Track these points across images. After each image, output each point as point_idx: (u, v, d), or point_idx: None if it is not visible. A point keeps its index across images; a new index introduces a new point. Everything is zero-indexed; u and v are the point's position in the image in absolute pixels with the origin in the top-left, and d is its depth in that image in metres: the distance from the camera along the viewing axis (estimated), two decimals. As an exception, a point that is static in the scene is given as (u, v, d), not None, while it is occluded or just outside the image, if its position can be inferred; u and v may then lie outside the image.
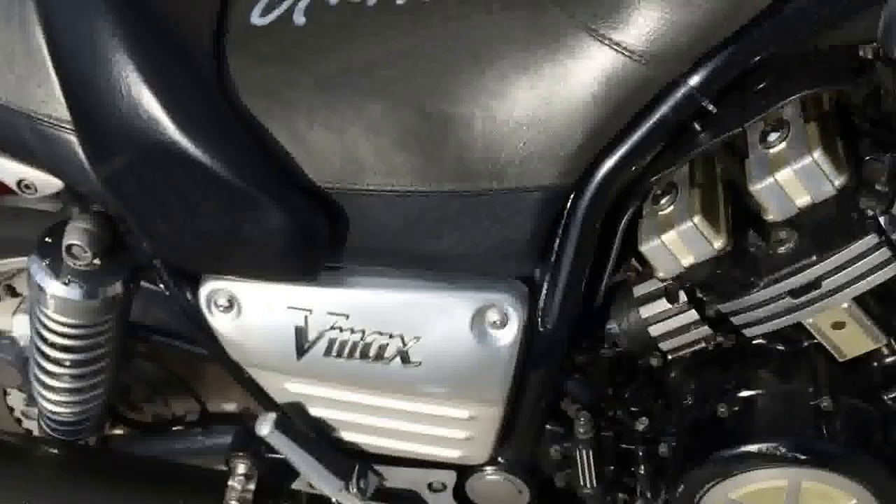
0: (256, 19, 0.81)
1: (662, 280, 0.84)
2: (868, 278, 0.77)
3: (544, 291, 0.84)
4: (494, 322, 0.84)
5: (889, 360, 0.86)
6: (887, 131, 0.70)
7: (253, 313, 0.88)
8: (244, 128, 0.78)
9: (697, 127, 0.77)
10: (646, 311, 0.87)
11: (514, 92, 0.75)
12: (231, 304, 0.88)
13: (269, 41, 0.80)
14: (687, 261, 0.80)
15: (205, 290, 0.88)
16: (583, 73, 0.73)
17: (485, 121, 0.76)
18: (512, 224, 0.79)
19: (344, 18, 0.80)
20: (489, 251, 0.81)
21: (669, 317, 0.87)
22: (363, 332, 0.86)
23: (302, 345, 0.88)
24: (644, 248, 0.80)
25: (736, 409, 0.86)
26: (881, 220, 0.75)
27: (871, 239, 0.75)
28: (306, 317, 0.87)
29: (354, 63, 0.78)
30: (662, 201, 0.80)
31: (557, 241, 0.81)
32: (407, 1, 0.78)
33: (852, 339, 0.82)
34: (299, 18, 0.80)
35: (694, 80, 0.73)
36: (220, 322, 0.90)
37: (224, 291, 0.88)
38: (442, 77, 0.77)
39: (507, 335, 0.85)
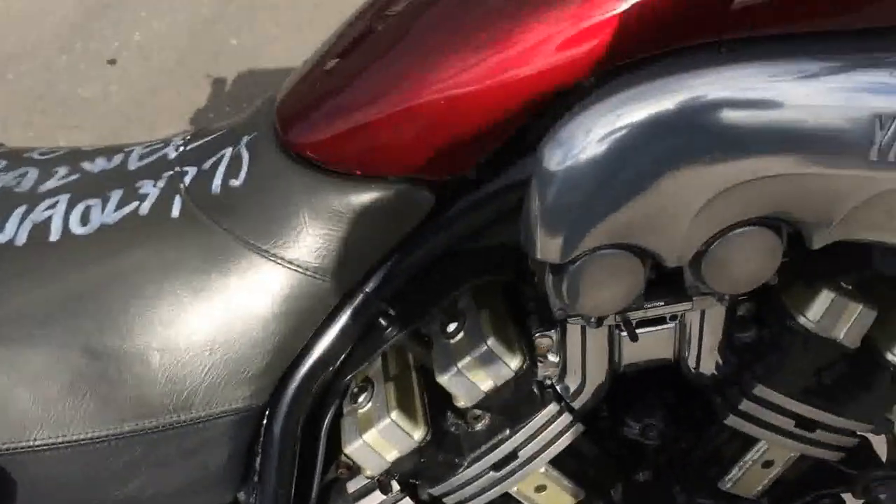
0: None
1: (371, 476, 0.83)
2: (557, 442, 0.82)
3: (252, 513, 0.80)
4: (200, 558, 0.78)
5: (591, 509, 0.92)
6: (547, 309, 0.76)
7: None
8: None
9: (383, 323, 0.79)
10: (362, 506, 0.86)
11: (190, 319, 0.72)
12: None
13: None
14: (391, 455, 0.80)
15: None
16: (259, 293, 0.73)
17: (162, 352, 0.72)
18: (205, 454, 0.75)
19: None
20: (184, 486, 0.76)
21: (386, 508, 0.86)
22: None
23: None
24: (348, 450, 0.80)
25: (460, 585, 0.87)
26: (558, 388, 0.82)
27: (552, 407, 0.81)
28: None
29: (1, 312, 0.71)
30: (360, 399, 0.81)
31: (258, 459, 0.78)
32: (61, 237, 0.73)
33: (554, 498, 0.87)
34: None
35: (369, 286, 0.75)
36: None
37: None
38: (109, 313, 0.72)
39: (216, 569, 0.79)
